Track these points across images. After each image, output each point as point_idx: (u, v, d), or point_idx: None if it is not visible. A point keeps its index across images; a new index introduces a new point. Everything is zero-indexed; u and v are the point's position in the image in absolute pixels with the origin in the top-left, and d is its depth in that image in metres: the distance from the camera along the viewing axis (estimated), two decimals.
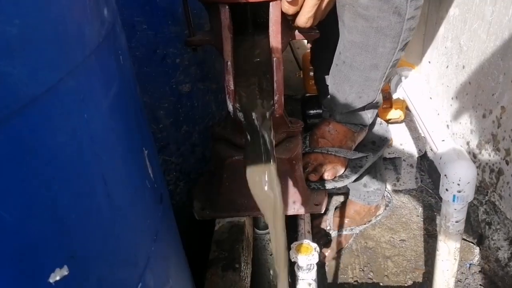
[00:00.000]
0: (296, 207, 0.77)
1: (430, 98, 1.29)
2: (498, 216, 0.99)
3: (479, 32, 1.02)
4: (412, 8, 0.65)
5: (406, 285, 1.03)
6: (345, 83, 0.76)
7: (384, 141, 0.93)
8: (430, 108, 0.85)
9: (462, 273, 1.04)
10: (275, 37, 0.59)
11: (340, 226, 1.12)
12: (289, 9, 0.56)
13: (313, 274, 0.75)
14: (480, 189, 1.05)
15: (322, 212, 0.78)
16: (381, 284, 1.04)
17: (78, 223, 0.31)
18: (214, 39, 0.66)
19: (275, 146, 0.74)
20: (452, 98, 1.16)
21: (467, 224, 1.10)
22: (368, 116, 0.85)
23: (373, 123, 0.92)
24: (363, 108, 0.82)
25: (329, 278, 1.07)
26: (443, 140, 0.75)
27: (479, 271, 1.04)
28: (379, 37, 0.67)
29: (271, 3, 0.59)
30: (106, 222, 0.34)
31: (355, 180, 0.94)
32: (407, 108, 1.22)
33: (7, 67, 0.22)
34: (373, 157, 0.90)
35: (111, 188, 0.34)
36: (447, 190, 0.70)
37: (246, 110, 0.57)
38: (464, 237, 1.10)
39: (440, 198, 1.32)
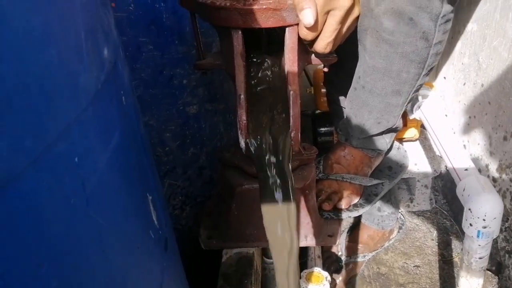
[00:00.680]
0: (308, 239, 0.73)
1: (446, 115, 1.24)
2: None
3: (499, 49, 0.97)
4: (440, 32, 0.60)
5: None
6: (364, 108, 0.72)
7: (401, 167, 0.89)
8: (450, 132, 0.80)
9: None
10: (291, 66, 0.55)
11: (353, 252, 1.07)
12: (308, 35, 0.52)
13: None
14: None
15: (336, 244, 0.74)
16: None
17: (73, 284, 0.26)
18: (225, 63, 0.62)
19: None
20: (469, 117, 1.12)
21: None
22: (386, 141, 0.80)
23: (390, 147, 0.88)
24: (381, 133, 0.78)
25: None
26: (466, 170, 0.70)
27: None
28: (403, 63, 0.62)
29: (287, 29, 0.55)
30: (103, 284, 0.30)
31: None
32: (422, 126, 1.17)
33: None
34: (389, 184, 0.86)
35: (109, 251, 0.29)
36: (471, 225, 0.66)
37: (261, 149, 0.52)
38: None
39: (456, 221, 1.27)
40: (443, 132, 0.80)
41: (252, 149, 0.53)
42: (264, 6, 0.53)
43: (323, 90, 1.09)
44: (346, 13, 0.52)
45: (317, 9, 0.50)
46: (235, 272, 0.71)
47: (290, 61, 0.55)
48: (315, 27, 0.51)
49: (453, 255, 1.13)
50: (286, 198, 0.51)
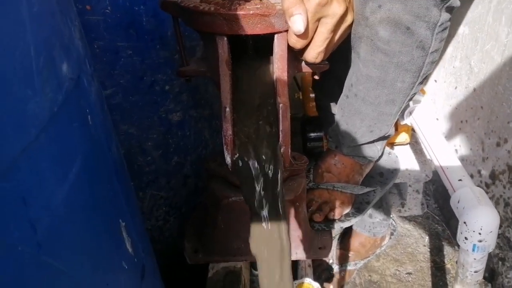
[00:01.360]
0: (298, 253, 0.70)
1: (437, 119, 1.22)
2: None
3: (492, 53, 0.95)
4: (437, 41, 0.57)
5: None
6: (356, 116, 0.69)
7: (393, 173, 0.86)
8: (442, 140, 0.78)
9: None
10: (280, 75, 0.51)
11: (344, 260, 1.04)
12: (297, 44, 0.49)
13: None
14: None
15: (328, 256, 0.71)
16: None
17: None
18: (210, 70, 0.59)
19: None
20: (461, 122, 1.10)
21: None
22: (377, 148, 0.77)
23: (381, 154, 0.85)
24: (373, 141, 0.75)
25: None
26: (460, 180, 0.68)
27: None
28: (398, 73, 0.59)
29: (276, 35, 0.51)
30: None
31: None
32: (413, 129, 1.15)
33: None
34: (381, 191, 0.83)
35: None
36: (466, 238, 0.63)
37: (248, 167, 0.48)
38: None
39: (448, 226, 1.25)
40: (435, 139, 0.77)
41: (239, 167, 0.49)
42: (251, 12, 0.49)
43: (312, 95, 1.06)
44: (338, 21, 0.49)
45: (307, 15, 0.47)
46: None
47: (279, 70, 0.52)
48: (305, 35, 0.48)
49: (446, 261, 1.11)
50: (278, 228, 0.47)
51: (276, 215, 0.48)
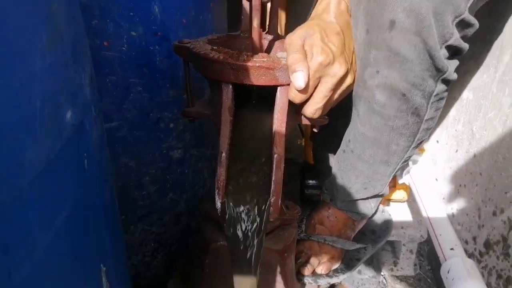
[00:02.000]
0: None
1: (436, 179, 1.22)
2: None
3: (494, 122, 0.96)
4: (432, 109, 0.59)
5: None
6: (352, 171, 0.70)
7: (385, 232, 0.85)
8: (438, 204, 0.78)
9: None
10: (279, 126, 0.52)
11: None
12: (296, 98, 0.51)
13: None
14: None
15: None
16: None
17: None
18: (213, 114, 0.60)
19: (267, 234, 0.66)
20: (460, 185, 1.10)
21: None
22: (371, 205, 0.77)
23: (375, 211, 0.85)
24: (367, 198, 0.75)
25: None
26: (452, 249, 0.67)
27: None
28: (393, 135, 0.61)
29: (278, 88, 0.53)
30: None
31: None
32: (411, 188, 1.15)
33: None
34: (372, 249, 0.82)
35: None
36: None
37: (236, 214, 0.49)
38: None
39: None
40: (430, 203, 0.77)
41: (227, 212, 0.49)
42: (257, 64, 0.51)
43: None
44: (338, 81, 0.51)
45: (309, 73, 0.49)
46: None
47: (279, 121, 0.53)
48: (305, 91, 0.50)
49: None
50: (252, 271, 0.47)
51: (251, 266, 0.48)
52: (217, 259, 0.66)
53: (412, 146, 0.63)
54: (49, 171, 0.24)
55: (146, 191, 0.73)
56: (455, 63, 0.57)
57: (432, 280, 1.21)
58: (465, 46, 0.56)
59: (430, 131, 0.63)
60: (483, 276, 0.97)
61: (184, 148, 0.76)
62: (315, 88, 0.52)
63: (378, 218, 0.87)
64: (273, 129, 0.54)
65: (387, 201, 1.19)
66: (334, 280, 0.76)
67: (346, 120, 0.69)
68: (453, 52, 0.56)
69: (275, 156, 0.51)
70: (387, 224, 0.87)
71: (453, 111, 1.16)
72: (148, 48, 0.64)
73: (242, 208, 0.49)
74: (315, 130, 0.63)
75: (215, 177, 0.52)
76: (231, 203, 0.49)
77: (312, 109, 0.52)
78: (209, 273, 0.67)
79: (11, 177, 0.21)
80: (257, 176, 0.52)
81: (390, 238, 1.17)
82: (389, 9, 0.52)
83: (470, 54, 1.06)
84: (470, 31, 0.55)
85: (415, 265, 1.23)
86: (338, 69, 0.51)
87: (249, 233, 0.49)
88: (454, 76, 0.58)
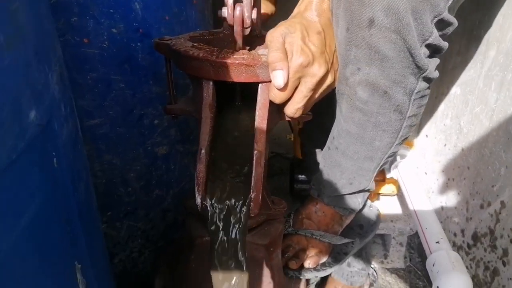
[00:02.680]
0: None
1: (426, 173, 1.23)
2: None
3: (481, 117, 0.97)
4: (415, 106, 0.59)
5: None
6: (337, 168, 0.70)
7: (372, 226, 0.86)
8: (424, 199, 0.78)
9: None
10: (260, 123, 0.52)
11: None
12: (276, 98, 0.51)
13: None
14: (472, 284, 0.97)
15: None
16: None
17: None
18: (195, 110, 0.60)
19: (252, 229, 0.66)
20: (448, 179, 1.10)
21: None
22: (358, 200, 0.78)
23: (363, 206, 0.85)
24: (353, 193, 0.75)
25: None
26: (438, 242, 0.67)
27: None
28: (376, 132, 0.61)
29: (260, 85, 0.53)
30: None
31: None
32: None
33: None
34: (360, 243, 0.83)
35: None
36: None
37: (216, 210, 0.49)
38: None
39: (429, 282, 1.23)
40: (417, 197, 0.78)
41: (207, 209, 0.49)
42: (237, 61, 0.51)
43: None
44: (318, 82, 0.51)
45: (289, 73, 0.49)
46: None
47: (260, 117, 0.53)
48: (285, 90, 0.50)
49: None
50: (236, 268, 0.47)
51: (236, 262, 0.49)
52: (203, 254, 0.66)
53: (396, 142, 0.63)
54: (11, 171, 0.24)
55: (131, 187, 0.73)
56: (435, 61, 0.58)
57: (422, 272, 1.22)
58: (445, 44, 0.56)
59: (413, 128, 0.64)
60: (470, 268, 0.98)
61: (170, 144, 0.76)
62: (296, 88, 0.52)
63: (366, 213, 0.87)
64: (255, 126, 0.54)
65: (376, 195, 1.20)
66: (321, 274, 0.76)
67: (332, 115, 0.69)
68: (433, 50, 0.56)
69: (255, 152, 0.51)
70: (375, 219, 0.88)
71: (442, 106, 1.17)
72: (129, 45, 0.63)
73: (221, 204, 0.49)
74: (299, 126, 0.63)
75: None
76: (210, 200, 0.50)
77: (293, 108, 0.52)
78: (195, 268, 0.67)
79: None
80: (238, 172, 0.52)
81: (380, 232, 1.18)
82: (368, 8, 0.52)
83: (458, 49, 1.06)
84: (449, 30, 0.56)
85: (405, 257, 1.24)
86: (317, 70, 0.51)
87: (230, 230, 0.49)
88: (435, 74, 0.58)
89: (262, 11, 0.68)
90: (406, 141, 0.67)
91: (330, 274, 1.07)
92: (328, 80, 0.53)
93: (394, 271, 1.23)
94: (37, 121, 0.27)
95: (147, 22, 0.63)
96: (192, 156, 0.82)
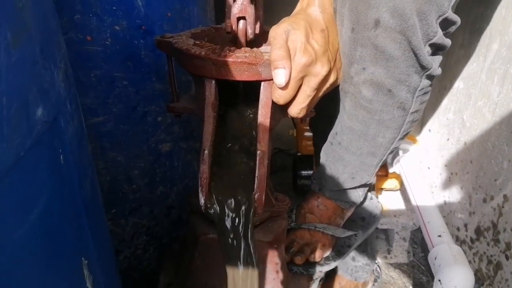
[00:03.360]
0: None
1: (429, 168, 1.23)
2: None
3: (484, 110, 0.97)
4: (417, 103, 0.59)
5: None
6: (339, 162, 0.70)
7: (374, 218, 0.86)
8: (427, 193, 0.78)
9: None
10: (263, 122, 0.52)
11: None
12: (280, 99, 0.51)
13: None
14: (475, 278, 0.97)
15: None
16: None
17: None
18: (198, 109, 0.60)
19: (256, 226, 0.67)
20: (451, 173, 1.10)
21: None
22: (359, 194, 0.78)
23: (363, 199, 0.86)
24: (355, 187, 0.76)
25: None
26: (440, 236, 0.68)
27: None
28: (379, 128, 0.61)
29: (262, 83, 0.53)
30: None
31: None
32: None
33: None
34: (363, 235, 0.83)
35: None
36: None
37: (221, 210, 0.49)
38: None
39: (432, 277, 1.23)
40: (419, 191, 0.78)
41: (211, 209, 0.50)
42: (239, 60, 0.51)
43: (306, 134, 1.08)
44: (322, 81, 0.51)
45: (291, 72, 0.49)
46: None
47: (263, 116, 0.53)
48: (288, 89, 0.50)
49: None
50: (248, 265, 0.48)
51: (247, 259, 0.49)
52: (207, 251, 0.66)
53: (398, 137, 0.63)
54: (19, 167, 0.24)
55: (135, 184, 0.73)
56: (439, 58, 0.58)
57: (425, 267, 1.22)
58: (448, 42, 0.56)
59: (415, 122, 0.64)
60: (474, 262, 0.98)
61: (173, 141, 0.76)
62: (299, 88, 0.52)
63: (367, 205, 0.88)
64: (258, 125, 0.54)
65: (380, 190, 1.20)
66: (325, 268, 0.76)
67: (337, 105, 0.69)
68: (437, 48, 0.56)
69: (258, 152, 0.51)
70: (376, 210, 0.88)
71: (445, 100, 1.17)
72: (132, 42, 0.64)
73: (225, 205, 0.49)
74: (304, 125, 0.64)
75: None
76: (214, 201, 0.50)
77: (297, 109, 0.53)
78: (200, 265, 0.68)
79: None
80: (242, 172, 0.53)
81: (383, 227, 1.18)
82: (374, 9, 0.52)
83: (460, 43, 1.06)
84: (452, 28, 0.56)
85: (408, 252, 1.24)
86: (320, 69, 0.51)
87: (236, 229, 0.49)
88: (439, 71, 0.58)
89: None
90: (408, 136, 0.68)
91: (334, 270, 1.08)
92: (331, 79, 0.54)
93: (397, 266, 1.23)
94: (44, 118, 0.28)
95: (150, 19, 0.63)
96: (195, 152, 0.83)
